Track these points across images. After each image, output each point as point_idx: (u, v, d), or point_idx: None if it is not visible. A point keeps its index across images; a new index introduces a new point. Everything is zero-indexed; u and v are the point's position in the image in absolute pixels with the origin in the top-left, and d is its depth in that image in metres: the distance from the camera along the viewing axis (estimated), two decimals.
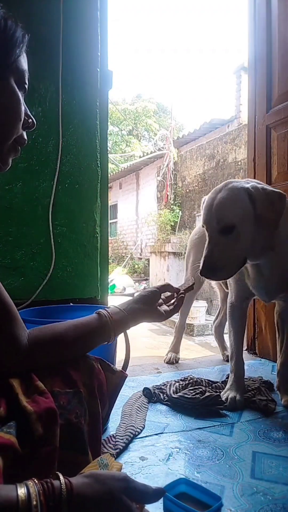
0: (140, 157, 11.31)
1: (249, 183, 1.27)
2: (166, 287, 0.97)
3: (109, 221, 1.99)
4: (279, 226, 1.24)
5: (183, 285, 1.05)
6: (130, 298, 0.92)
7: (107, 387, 0.80)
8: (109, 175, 2.12)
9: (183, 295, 0.99)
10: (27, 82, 0.69)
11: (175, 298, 0.99)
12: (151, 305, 0.90)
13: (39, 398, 0.64)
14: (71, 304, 1.65)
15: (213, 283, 2.26)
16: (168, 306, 0.96)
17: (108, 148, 1.93)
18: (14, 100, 0.66)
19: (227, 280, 1.59)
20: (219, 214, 1.23)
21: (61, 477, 0.49)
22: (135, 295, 0.94)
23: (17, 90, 0.66)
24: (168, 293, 0.99)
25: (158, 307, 0.93)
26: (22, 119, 0.69)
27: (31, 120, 0.72)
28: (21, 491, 0.45)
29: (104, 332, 0.81)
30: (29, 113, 0.71)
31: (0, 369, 0.70)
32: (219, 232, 1.24)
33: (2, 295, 0.68)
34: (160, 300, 0.95)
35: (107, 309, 0.85)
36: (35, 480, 0.48)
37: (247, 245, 1.25)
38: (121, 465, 0.67)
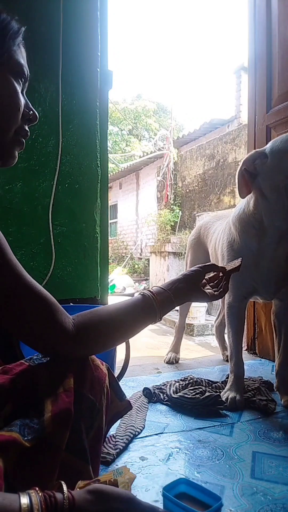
0: (140, 157, 11.31)
1: None
2: (211, 266, 0.93)
3: (109, 221, 1.99)
4: None
5: (228, 265, 1.01)
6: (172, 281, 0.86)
7: (109, 411, 0.80)
8: (109, 175, 2.12)
9: (228, 276, 0.95)
10: (25, 73, 0.68)
11: (220, 278, 0.95)
12: (195, 284, 0.88)
13: (62, 395, 0.64)
14: (71, 304, 1.65)
15: None
16: (212, 287, 0.93)
17: (108, 148, 1.93)
18: (9, 90, 0.65)
19: None
20: None
21: (65, 489, 0.49)
22: (180, 273, 0.90)
23: (13, 80, 0.66)
24: (212, 274, 0.96)
25: (202, 288, 0.90)
26: (21, 110, 0.68)
27: (32, 112, 0.71)
28: (24, 502, 0.45)
29: (150, 312, 0.80)
30: (31, 106, 0.70)
31: (52, 356, 0.70)
32: None
33: (35, 285, 0.68)
34: (204, 281, 0.92)
35: (151, 289, 0.83)
36: (37, 489, 0.47)
37: None
38: (134, 476, 0.65)
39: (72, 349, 0.70)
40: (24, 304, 0.66)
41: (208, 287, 0.93)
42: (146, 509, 0.52)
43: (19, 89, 0.67)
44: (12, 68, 0.65)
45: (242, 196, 1.40)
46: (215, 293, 0.92)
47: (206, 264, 0.93)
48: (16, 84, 0.66)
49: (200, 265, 0.92)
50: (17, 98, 0.66)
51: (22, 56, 0.68)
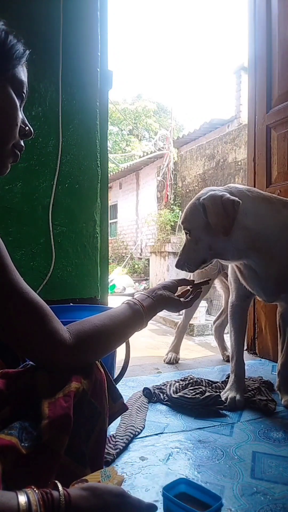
0: (140, 157, 11.30)
1: (218, 191, 1.33)
2: (182, 281, 1.03)
3: (109, 221, 1.99)
4: (260, 227, 1.32)
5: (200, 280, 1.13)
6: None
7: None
8: (109, 175, 2.12)
9: (200, 289, 1.07)
10: (25, 92, 0.73)
11: (190, 291, 1.06)
12: (172, 293, 0.97)
13: (60, 400, 0.64)
14: (71, 304, 1.65)
15: (218, 286, 2.28)
16: (184, 298, 1.03)
17: (108, 148, 1.93)
18: (10, 104, 0.69)
19: (229, 280, 1.60)
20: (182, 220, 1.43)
21: (60, 487, 0.50)
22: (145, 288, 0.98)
23: (14, 96, 0.70)
24: (184, 288, 1.07)
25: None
26: (19, 125, 0.72)
27: (27, 128, 0.75)
28: (22, 499, 0.46)
29: (137, 319, 0.84)
30: (27, 122, 0.74)
31: (49, 367, 0.69)
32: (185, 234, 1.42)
33: (30, 294, 0.68)
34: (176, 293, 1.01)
35: (134, 298, 0.88)
36: (34, 488, 0.48)
37: (204, 247, 1.37)
38: (122, 479, 0.66)
39: (70, 359, 0.69)
40: (18, 312, 0.65)
41: (181, 298, 1.03)
42: (134, 502, 0.57)
43: (18, 104, 0.71)
44: (15, 85, 0.70)
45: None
46: (186, 299, 1.02)
47: (179, 278, 1.05)
48: (16, 100, 0.70)
49: (174, 279, 1.03)
50: (16, 113, 0.71)
51: (24, 76, 0.73)
